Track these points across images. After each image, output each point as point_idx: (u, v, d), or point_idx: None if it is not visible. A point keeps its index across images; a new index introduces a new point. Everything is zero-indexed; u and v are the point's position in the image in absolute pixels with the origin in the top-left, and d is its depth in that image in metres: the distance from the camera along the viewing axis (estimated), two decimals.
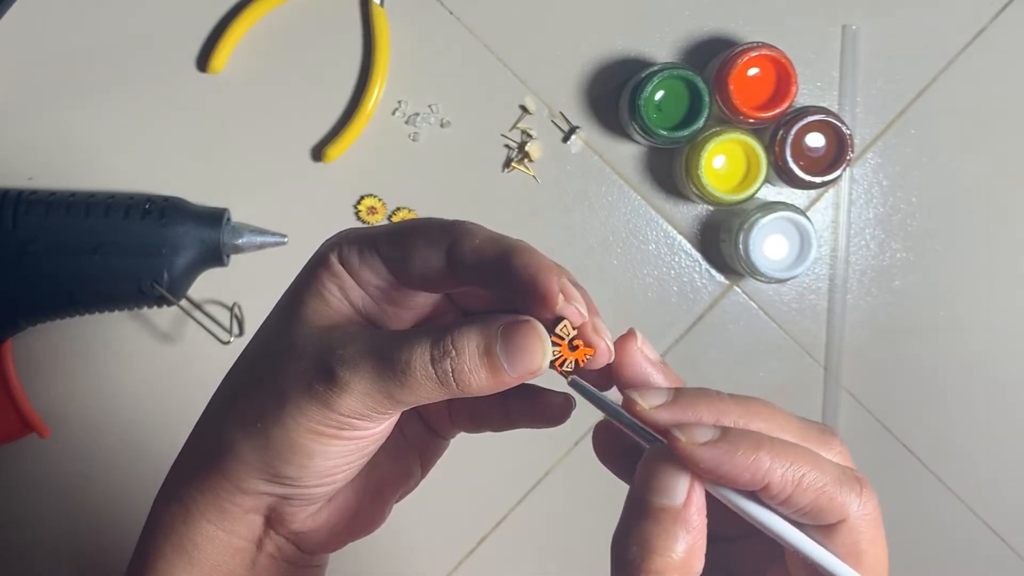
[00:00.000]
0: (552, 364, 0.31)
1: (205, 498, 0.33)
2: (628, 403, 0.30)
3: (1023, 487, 0.71)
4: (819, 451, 0.30)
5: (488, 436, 0.37)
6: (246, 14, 0.65)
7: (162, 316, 0.66)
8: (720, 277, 0.69)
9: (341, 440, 0.31)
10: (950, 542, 0.70)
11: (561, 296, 0.29)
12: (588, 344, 0.31)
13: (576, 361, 0.31)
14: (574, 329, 0.30)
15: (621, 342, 0.32)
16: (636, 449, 0.33)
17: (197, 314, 0.66)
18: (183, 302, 0.63)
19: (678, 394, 0.30)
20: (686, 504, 0.28)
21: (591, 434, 0.34)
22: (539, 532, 0.69)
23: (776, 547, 0.30)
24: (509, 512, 0.68)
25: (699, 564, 0.29)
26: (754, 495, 0.29)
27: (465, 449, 0.39)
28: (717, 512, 0.29)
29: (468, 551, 0.68)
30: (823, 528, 0.29)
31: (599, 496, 0.74)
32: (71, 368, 0.66)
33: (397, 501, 0.37)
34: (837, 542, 0.29)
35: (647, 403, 0.30)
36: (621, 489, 0.77)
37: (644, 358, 0.32)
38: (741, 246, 0.64)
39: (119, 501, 0.66)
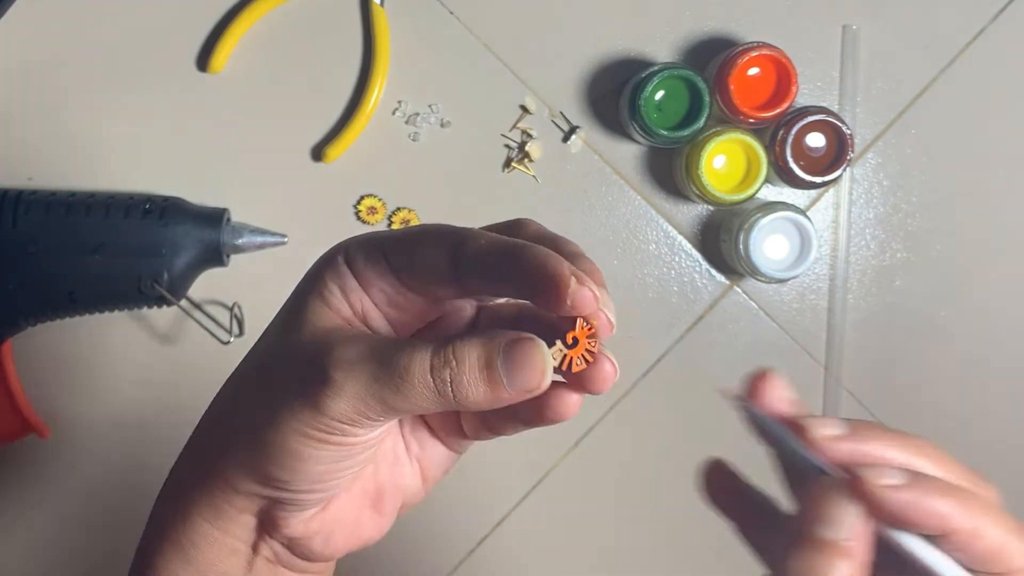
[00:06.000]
0: (558, 369, 0.30)
1: (202, 497, 0.33)
2: (802, 431, 0.30)
3: (1023, 488, 0.71)
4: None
5: None
6: (246, 14, 0.65)
7: (162, 316, 0.66)
8: (720, 277, 0.69)
9: (331, 445, 0.30)
10: None
11: (573, 280, 0.28)
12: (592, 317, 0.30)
13: (583, 358, 0.30)
14: (588, 328, 0.30)
15: (756, 383, 0.32)
16: (750, 494, 0.34)
17: (197, 314, 0.66)
18: (183, 302, 0.63)
19: (855, 428, 0.30)
20: (852, 538, 0.28)
21: (703, 474, 0.34)
22: (539, 532, 0.69)
23: None
24: (509, 512, 0.68)
25: None
26: (924, 536, 0.29)
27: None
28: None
29: (468, 551, 0.68)
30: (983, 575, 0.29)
31: (598, 497, 0.74)
32: (71, 368, 0.66)
33: (401, 514, 0.36)
34: None
35: (822, 432, 0.30)
36: (619, 491, 0.77)
37: (779, 399, 0.32)
38: (741, 246, 0.64)
39: (119, 501, 0.66)
